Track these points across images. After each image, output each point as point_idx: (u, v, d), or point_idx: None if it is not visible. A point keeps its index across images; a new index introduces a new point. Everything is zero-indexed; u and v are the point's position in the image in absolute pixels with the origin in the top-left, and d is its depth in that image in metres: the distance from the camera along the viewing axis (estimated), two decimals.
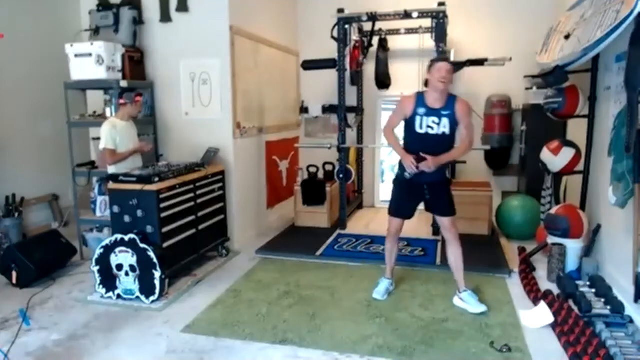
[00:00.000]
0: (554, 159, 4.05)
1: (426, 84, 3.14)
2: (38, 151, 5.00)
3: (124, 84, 4.06)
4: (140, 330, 2.97)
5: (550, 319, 2.91)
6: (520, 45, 5.27)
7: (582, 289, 3.29)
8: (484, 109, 5.60)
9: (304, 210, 5.22)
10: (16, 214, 4.56)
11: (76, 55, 3.99)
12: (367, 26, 5.27)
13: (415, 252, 4.31)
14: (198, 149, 4.38)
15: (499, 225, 4.92)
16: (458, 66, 5.02)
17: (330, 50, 5.02)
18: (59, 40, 4.21)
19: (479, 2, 5.67)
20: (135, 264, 3.32)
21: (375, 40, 5.47)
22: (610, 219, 3.45)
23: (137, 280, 3.34)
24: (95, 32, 4.45)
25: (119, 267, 3.35)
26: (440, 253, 4.25)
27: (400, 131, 3.29)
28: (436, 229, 4.76)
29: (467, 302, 3.19)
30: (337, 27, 4.82)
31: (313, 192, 5.16)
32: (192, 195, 3.84)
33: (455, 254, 3.27)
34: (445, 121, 3.05)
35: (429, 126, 3.07)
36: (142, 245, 3.30)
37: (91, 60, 3.93)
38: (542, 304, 3.07)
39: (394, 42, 5.78)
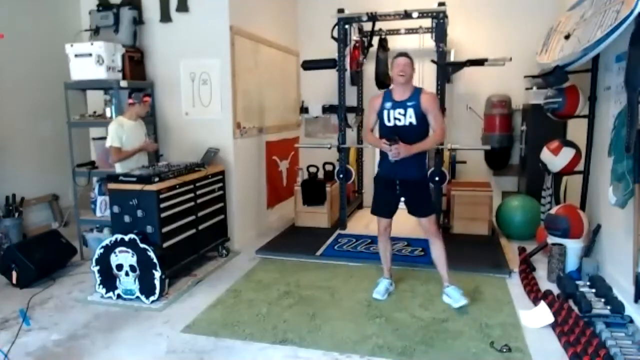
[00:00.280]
0: (554, 159, 4.05)
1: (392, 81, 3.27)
2: (38, 151, 5.00)
3: (123, 84, 4.06)
4: (140, 330, 2.97)
5: (550, 319, 2.91)
6: (520, 45, 5.27)
7: (582, 289, 3.29)
8: (484, 109, 5.60)
9: (304, 210, 5.22)
10: (16, 214, 4.56)
11: (76, 55, 3.99)
12: (367, 26, 5.27)
13: (415, 252, 4.31)
14: (198, 149, 4.38)
15: (499, 225, 4.92)
16: (458, 66, 5.04)
17: (330, 50, 5.02)
18: (59, 40, 4.21)
19: (479, 2, 5.67)
20: (135, 264, 3.32)
21: (375, 40, 5.47)
22: (610, 219, 3.45)
23: (137, 280, 3.34)
24: (95, 32, 4.45)
25: (119, 267, 3.35)
26: None
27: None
28: None
29: (450, 297, 3.23)
30: (337, 27, 4.82)
31: (313, 192, 5.16)
32: (192, 195, 3.84)
33: (437, 252, 3.31)
34: (410, 111, 3.13)
35: (396, 118, 3.17)
36: (142, 245, 3.30)
37: (91, 60, 3.93)
38: (542, 304, 3.07)
39: (394, 42, 5.78)
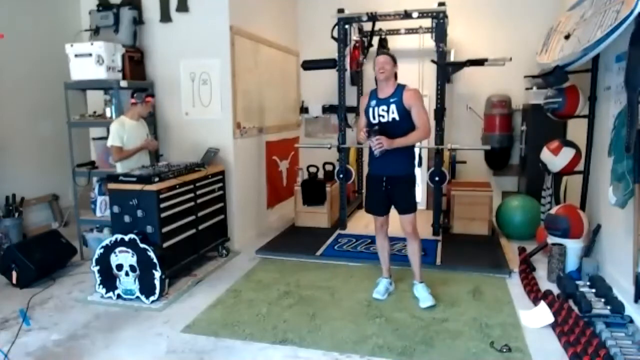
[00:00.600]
0: (554, 159, 4.05)
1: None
2: (38, 151, 5.00)
3: (123, 84, 4.06)
4: (140, 330, 2.97)
5: (550, 319, 2.91)
6: (520, 45, 5.28)
7: (582, 289, 3.29)
8: (484, 109, 5.61)
9: (304, 210, 5.22)
10: (16, 214, 4.56)
11: (76, 55, 3.99)
12: (367, 26, 5.27)
13: None
14: (198, 149, 4.39)
15: (499, 225, 4.92)
16: (458, 66, 5.04)
17: (330, 50, 5.02)
18: (59, 40, 4.21)
19: (479, 2, 5.67)
20: (135, 264, 3.32)
21: (375, 40, 5.47)
22: (610, 219, 3.45)
23: (137, 280, 3.34)
24: (95, 32, 4.45)
25: (119, 267, 3.35)
26: (441, 253, 4.26)
27: None
28: (436, 229, 4.77)
29: (418, 294, 3.27)
30: (337, 27, 4.82)
31: (313, 192, 5.16)
32: (192, 195, 3.84)
33: (412, 249, 3.34)
34: (393, 107, 3.15)
35: (380, 115, 3.19)
36: (142, 245, 3.30)
37: (91, 60, 3.93)
38: (542, 304, 3.07)
39: (394, 42, 5.78)
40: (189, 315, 3.14)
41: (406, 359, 2.60)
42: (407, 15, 4.57)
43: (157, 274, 3.30)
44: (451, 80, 5.63)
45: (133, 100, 3.84)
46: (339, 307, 3.26)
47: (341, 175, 5.02)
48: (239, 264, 4.16)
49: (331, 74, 5.09)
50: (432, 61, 4.60)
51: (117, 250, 3.34)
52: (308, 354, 2.66)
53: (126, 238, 3.32)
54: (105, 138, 3.82)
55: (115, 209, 3.46)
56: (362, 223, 5.36)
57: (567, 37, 3.64)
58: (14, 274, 3.64)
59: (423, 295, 3.27)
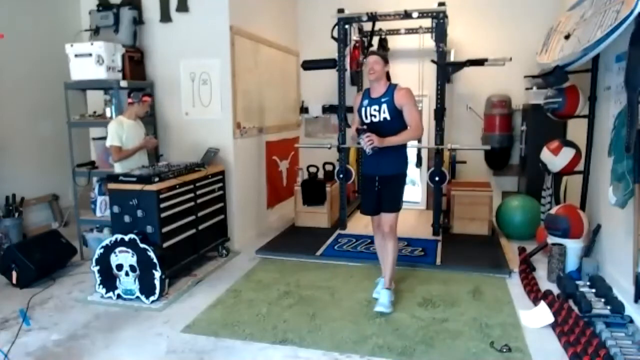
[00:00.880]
0: (554, 159, 4.05)
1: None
2: (38, 151, 5.00)
3: (123, 84, 4.06)
4: (140, 330, 2.97)
5: (550, 319, 2.91)
6: (520, 45, 5.28)
7: (582, 289, 3.29)
8: (484, 109, 5.61)
9: (304, 210, 5.22)
10: (16, 214, 4.56)
11: (76, 55, 3.99)
12: (367, 26, 5.26)
13: (415, 252, 4.31)
14: (198, 149, 4.39)
15: (499, 225, 4.92)
16: (458, 66, 5.04)
17: (330, 50, 5.02)
18: (59, 40, 4.21)
19: (479, 2, 5.67)
20: (135, 264, 3.32)
21: (375, 40, 5.47)
22: (610, 219, 3.45)
23: (137, 280, 3.34)
24: (95, 32, 4.45)
25: (119, 267, 3.35)
26: (441, 253, 4.26)
27: None
28: (436, 229, 4.77)
29: (380, 297, 3.17)
30: (337, 27, 4.82)
31: (313, 192, 5.16)
32: (192, 195, 3.84)
33: (387, 249, 3.28)
34: (384, 107, 3.15)
35: (372, 114, 3.19)
36: (142, 245, 3.30)
37: (91, 60, 3.93)
38: (542, 304, 3.07)
39: (394, 42, 5.78)
40: (189, 315, 3.14)
41: (406, 359, 2.60)
42: (407, 15, 4.57)
43: (157, 274, 3.30)
44: (451, 80, 5.63)
45: (130, 100, 3.83)
46: (339, 307, 3.26)
47: (341, 175, 5.02)
48: (239, 264, 4.16)
49: (331, 74, 5.09)
50: (432, 61, 4.60)
51: (117, 250, 3.34)
52: (308, 354, 2.66)
53: (126, 238, 3.32)
54: (105, 138, 3.82)
55: (115, 209, 3.46)
56: (362, 223, 5.36)
57: (567, 37, 3.64)
58: (14, 274, 3.64)
59: (383, 300, 3.14)
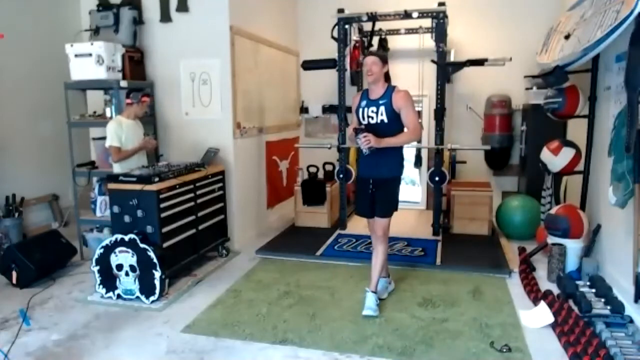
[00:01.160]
0: (554, 159, 4.05)
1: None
2: (38, 151, 5.00)
3: (123, 84, 4.06)
4: (140, 330, 2.97)
5: (550, 319, 2.91)
6: (520, 45, 5.28)
7: (582, 289, 3.29)
8: (484, 109, 5.61)
9: (304, 210, 5.22)
10: (16, 214, 4.56)
11: (76, 55, 3.99)
12: (367, 26, 5.27)
13: (415, 252, 4.31)
14: (198, 149, 4.39)
15: (499, 225, 4.92)
16: (458, 66, 5.04)
17: (330, 50, 5.02)
18: (59, 40, 4.21)
19: (479, 2, 5.67)
20: (135, 264, 3.32)
21: (375, 40, 5.47)
22: (610, 219, 3.45)
23: (137, 280, 3.34)
24: (95, 32, 4.45)
25: (119, 267, 3.35)
26: (441, 253, 4.26)
27: None
28: (436, 229, 4.77)
29: (366, 301, 3.15)
30: (337, 27, 4.82)
31: (313, 192, 5.16)
32: (192, 195, 3.84)
33: (376, 252, 3.26)
34: (382, 109, 3.12)
35: (369, 116, 3.16)
36: (142, 245, 3.30)
37: (91, 60, 3.93)
38: (542, 304, 3.07)
39: (394, 42, 5.78)
40: (189, 315, 3.14)
41: (406, 359, 2.60)
42: (407, 15, 4.57)
43: (157, 274, 3.30)
44: (451, 80, 5.63)
45: (128, 100, 3.83)
46: (339, 307, 3.26)
47: (341, 175, 5.02)
48: (239, 264, 4.16)
49: (331, 74, 5.09)
50: (432, 61, 4.60)
51: (117, 250, 3.34)
52: (308, 354, 2.66)
53: (126, 238, 3.32)
54: (105, 138, 3.81)
55: (115, 209, 3.46)
56: (362, 223, 5.34)
57: (567, 37, 3.64)
58: (14, 274, 3.64)
59: (369, 303, 3.12)
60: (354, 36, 5.29)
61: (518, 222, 4.69)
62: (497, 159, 5.71)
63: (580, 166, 3.97)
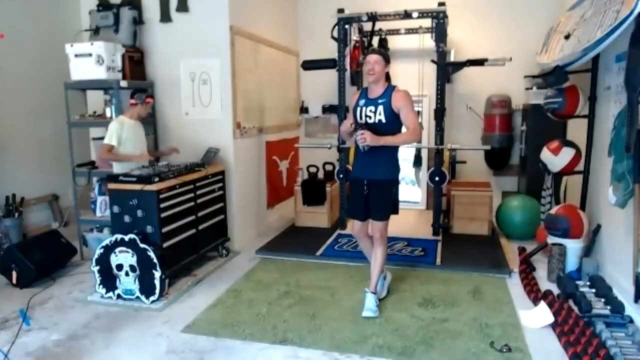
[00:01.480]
0: (554, 159, 4.05)
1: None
2: (38, 151, 5.00)
3: (123, 84, 4.06)
4: (140, 330, 2.97)
5: (550, 319, 2.91)
6: (520, 45, 5.28)
7: (582, 289, 3.29)
8: (484, 109, 5.61)
9: (304, 210, 5.22)
10: (16, 214, 4.56)
11: (76, 55, 3.99)
12: (367, 26, 5.27)
13: (415, 252, 4.31)
14: (198, 149, 4.39)
15: (499, 225, 4.92)
16: (458, 66, 5.04)
17: (330, 50, 5.02)
18: (59, 40, 4.21)
19: (479, 2, 5.67)
20: (135, 264, 3.32)
21: (375, 40, 5.47)
22: (610, 219, 3.45)
23: (137, 280, 3.34)
24: (95, 32, 4.45)
25: (119, 267, 3.35)
26: (441, 253, 4.26)
27: None
28: (436, 229, 4.77)
29: (365, 302, 3.14)
30: (337, 27, 4.82)
31: (313, 192, 5.16)
32: (192, 195, 3.84)
33: (375, 254, 3.24)
34: (380, 109, 3.07)
35: (367, 115, 3.12)
36: (142, 245, 3.30)
37: (91, 60, 3.93)
38: (542, 304, 3.07)
39: (394, 42, 5.78)
40: (189, 315, 3.14)
41: (406, 359, 2.60)
42: (407, 15, 4.57)
43: (157, 274, 3.30)
44: (451, 80, 5.63)
45: (133, 101, 3.84)
46: (339, 307, 3.26)
47: (341, 175, 5.02)
48: (239, 264, 4.16)
49: (331, 74, 5.09)
50: (432, 61, 4.60)
51: (117, 250, 3.34)
52: (308, 354, 2.66)
53: (126, 238, 3.32)
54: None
55: (115, 209, 3.46)
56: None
57: (567, 37, 3.64)
58: (14, 274, 3.64)
59: (369, 304, 3.12)
60: (354, 36, 5.29)
61: (518, 222, 4.69)
62: (497, 159, 5.71)
63: (580, 166, 3.97)
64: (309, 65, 5.18)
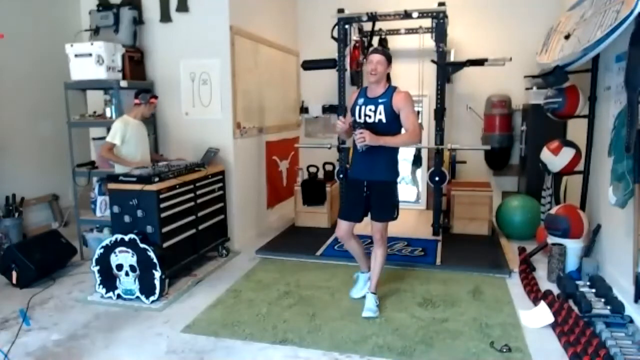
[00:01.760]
0: (554, 159, 4.05)
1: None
2: (38, 151, 5.00)
3: (123, 84, 4.06)
4: (140, 330, 2.97)
5: (550, 319, 2.91)
6: (520, 45, 5.28)
7: (582, 289, 3.30)
8: (484, 109, 5.61)
9: (304, 210, 5.22)
10: (16, 214, 4.56)
11: (76, 55, 3.99)
12: (367, 26, 5.26)
13: (415, 252, 4.31)
14: (198, 149, 4.39)
15: (499, 225, 4.92)
16: (458, 66, 5.04)
17: (330, 50, 5.02)
18: (59, 40, 4.21)
19: (479, 2, 5.67)
20: (135, 264, 3.32)
21: (375, 40, 5.47)
22: (610, 219, 3.45)
23: (137, 280, 3.34)
24: (95, 32, 4.45)
25: (119, 267, 3.35)
26: (441, 253, 4.26)
27: None
28: (436, 229, 4.77)
29: (366, 302, 3.15)
30: (337, 27, 4.82)
31: (313, 192, 5.16)
32: (192, 195, 3.84)
33: (375, 254, 3.24)
34: (380, 108, 3.04)
35: (366, 114, 3.08)
36: (142, 245, 3.30)
37: (91, 60, 3.93)
38: (542, 304, 3.07)
39: (394, 42, 5.78)
40: (189, 315, 3.14)
41: (406, 359, 2.60)
42: (407, 15, 4.57)
43: (157, 274, 3.30)
44: (451, 80, 5.63)
45: (137, 101, 3.85)
46: (339, 307, 3.26)
47: (341, 175, 5.02)
48: (239, 264, 4.16)
49: (331, 74, 5.08)
50: (432, 61, 4.60)
51: (117, 250, 3.34)
52: (308, 354, 2.66)
53: (126, 238, 3.32)
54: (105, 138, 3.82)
55: (115, 209, 3.46)
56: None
57: (567, 37, 3.64)
58: (14, 274, 3.64)
59: (369, 304, 3.13)
60: (354, 36, 5.29)
61: (518, 222, 4.69)
62: (497, 159, 5.71)
63: (580, 166, 3.97)
64: (309, 65, 5.18)
